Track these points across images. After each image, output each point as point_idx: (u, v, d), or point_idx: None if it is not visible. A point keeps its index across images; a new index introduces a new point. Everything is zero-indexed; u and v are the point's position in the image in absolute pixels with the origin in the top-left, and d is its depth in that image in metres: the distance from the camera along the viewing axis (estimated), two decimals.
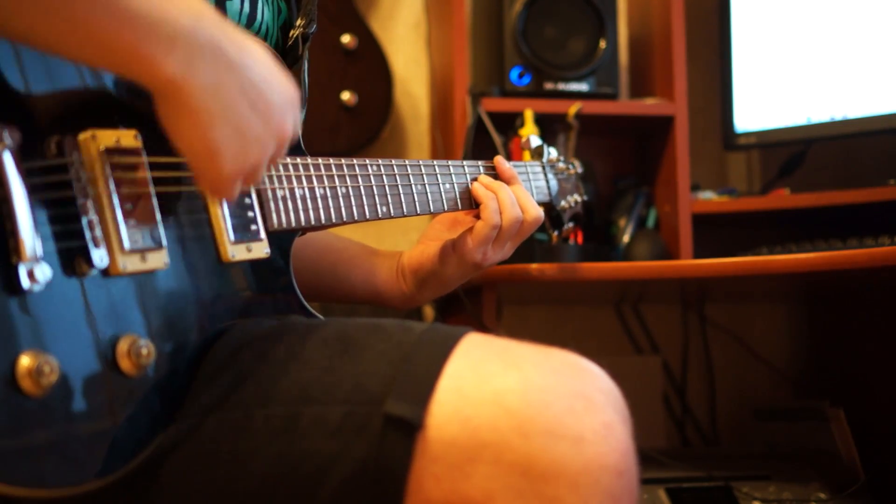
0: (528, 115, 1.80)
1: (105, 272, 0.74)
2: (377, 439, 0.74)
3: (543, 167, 1.32)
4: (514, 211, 1.13)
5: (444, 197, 1.12)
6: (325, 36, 1.99)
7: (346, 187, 1.00)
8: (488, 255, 1.14)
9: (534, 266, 1.50)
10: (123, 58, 0.69)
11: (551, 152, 1.35)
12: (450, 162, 1.15)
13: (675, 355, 2.18)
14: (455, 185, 1.14)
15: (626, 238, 1.95)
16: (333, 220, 0.98)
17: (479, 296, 1.67)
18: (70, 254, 0.72)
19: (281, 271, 0.94)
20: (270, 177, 0.92)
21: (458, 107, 1.88)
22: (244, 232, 0.88)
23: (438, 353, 0.78)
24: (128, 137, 0.77)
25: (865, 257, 1.39)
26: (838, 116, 1.88)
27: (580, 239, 1.84)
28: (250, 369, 0.80)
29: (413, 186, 1.08)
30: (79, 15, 0.66)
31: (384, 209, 1.04)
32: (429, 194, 1.10)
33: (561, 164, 1.36)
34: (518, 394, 0.74)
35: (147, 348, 0.75)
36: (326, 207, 0.97)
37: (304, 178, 0.95)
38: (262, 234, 0.90)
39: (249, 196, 0.89)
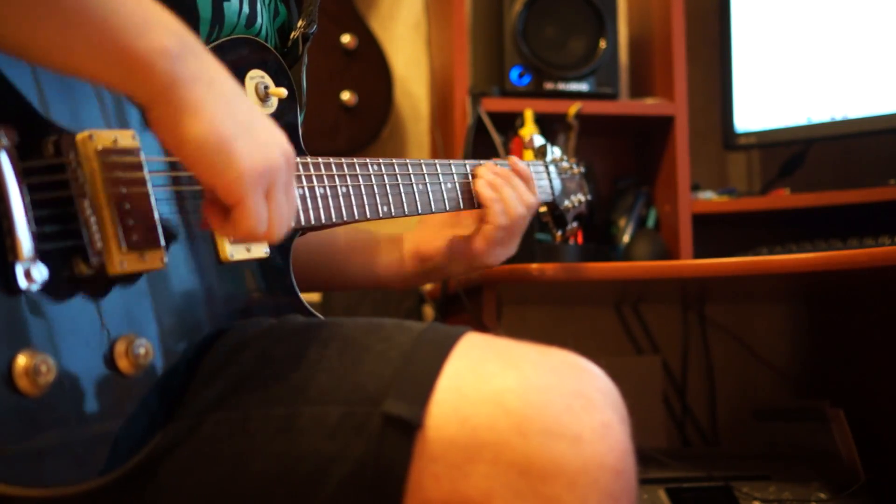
0: (528, 115, 1.80)
1: (102, 272, 0.74)
2: (376, 439, 0.74)
3: (546, 166, 1.31)
4: (519, 209, 1.15)
5: (445, 196, 1.12)
6: (325, 36, 1.99)
7: (347, 187, 1.00)
8: (498, 253, 1.16)
9: (534, 266, 1.50)
10: (117, 60, 0.68)
11: (555, 151, 1.35)
12: (451, 161, 1.15)
13: (675, 355, 2.18)
14: (457, 184, 1.14)
15: (626, 238, 1.95)
16: (334, 220, 0.98)
17: (479, 296, 1.67)
18: (67, 253, 0.72)
19: (280, 271, 0.94)
20: None
21: (458, 107, 1.88)
22: None
23: (437, 353, 0.78)
24: (125, 137, 0.77)
25: (865, 257, 1.39)
26: (838, 116, 1.88)
27: (580, 239, 1.84)
28: (249, 369, 0.80)
29: (414, 186, 1.08)
30: (71, 22, 0.67)
31: (385, 209, 1.04)
32: (430, 193, 1.10)
33: (564, 164, 1.36)
34: (517, 393, 0.74)
35: (145, 348, 0.75)
36: (326, 207, 0.97)
37: (303, 178, 0.95)
38: None
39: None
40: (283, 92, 0.96)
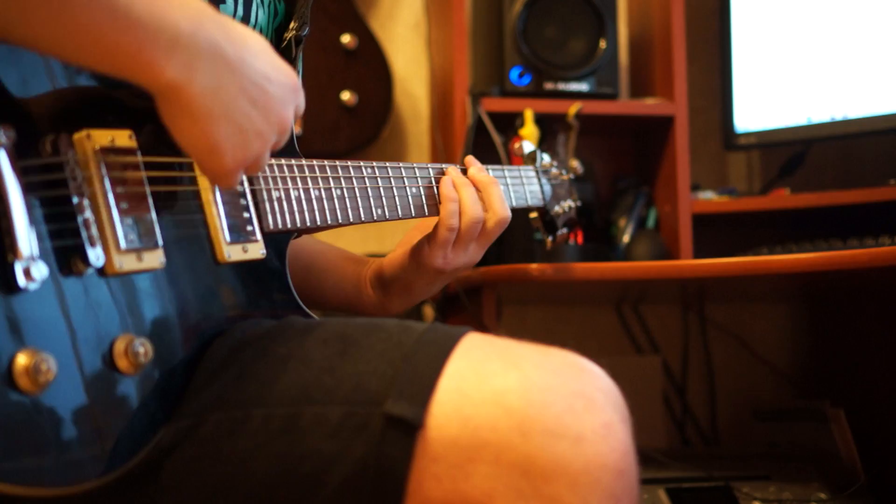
0: (528, 115, 1.80)
1: (101, 271, 0.74)
2: (377, 439, 0.74)
3: (537, 172, 1.32)
4: (474, 211, 1.08)
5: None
6: (325, 36, 1.99)
7: (342, 189, 1.00)
8: (449, 258, 1.08)
9: (534, 266, 1.50)
10: (125, 62, 0.70)
11: (544, 157, 1.36)
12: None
13: (675, 355, 2.18)
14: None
15: (626, 238, 1.95)
16: (329, 222, 0.98)
17: (479, 296, 1.67)
18: (66, 252, 0.72)
19: (277, 272, 0.94)
20: (266, 178, 0.92)
21: (458, 107, 1.88)
22: (240, 233, 0.88)
23: (438, 353, 0.78)
24: (122, 137, 0.78)
25: (866, 257, 1.39)
26: (838, 116, 1.88)
27: (580, 239, 1.84)
28: (250, 369, 0.80)
29: (408, 189, 1.08)
30: (81, 21, 0.67)
31: (379, 211, 1.04)
32: (423, 197, 1.10)
33: (554, 170, 1.36)
34: (518, 393, 0.74)
35: (144, 347, 0.75)
36: (322, 209, 0.97)
37: (299, 180, 0.95)
38: (258, 235, 0.90)
39: (245, 197, 0.89)
40: None
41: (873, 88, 1.84)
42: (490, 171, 1.18)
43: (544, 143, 1.77)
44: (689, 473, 1.66)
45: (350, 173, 1.02)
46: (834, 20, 1.89)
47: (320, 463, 0.75)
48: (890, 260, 1.35)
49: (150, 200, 0.79)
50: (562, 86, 1.91)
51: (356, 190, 1.02)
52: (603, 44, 1.92)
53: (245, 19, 0.97)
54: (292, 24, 1.05)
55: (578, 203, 1.43)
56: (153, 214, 0.79)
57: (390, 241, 2.04)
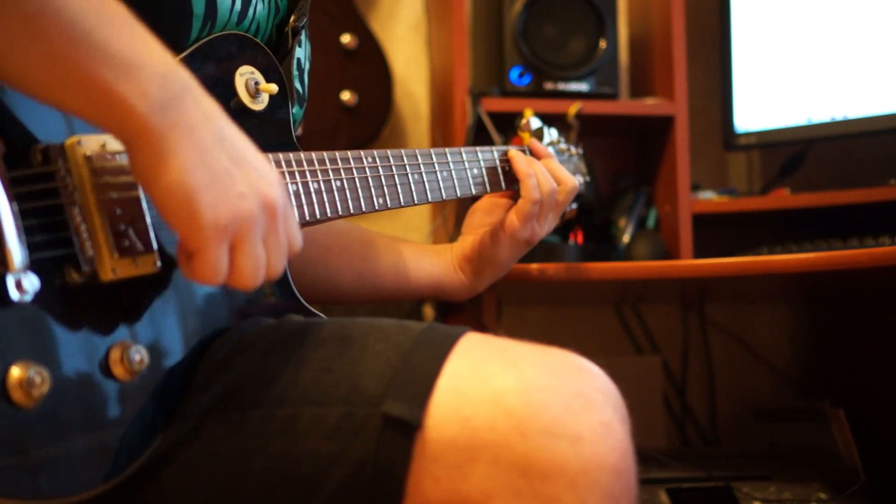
0: (528, 115, 1.79)
1: (95, 279, 0.74)
2: (376, 440, 0.74)
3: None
4: (549, 183, 1.21)
5: (441, 186, 1.13)
6: (325, 36, 1.99)
7: (342, 180, 1.00)
8: (535, 229, 1.21)
9: (534, 266, 1.50)
10: (97, 98, 0.67)
11: (552, 134, 1.36)
12: (447, 150, 1.15)
13: (675, 355, 2.18)
14: (453, 172, 1.16)
15: (626, 238, 1.95)
16: (329, 215, 0.98)
17: (479, 296, 1.66)
18: (59, 262, 0.72)
19: None
20: None
21: (458, 107, 1.88)
22: None
23: (437, 353, 0.78)
24: (113, 142, 0.76)
25: (866, 257, 1.38)
26: (838, 116, 1.88)
27: (580, 239, 1.84)
28: (248, 370, 0.80)
29: (410, 176, 1.08)
30: (56, 54, 0.66)
31: (381, 201, 1.04)
32: (426, 183, 1.10)
33: (562, 146, 1.37)
34: (517, 393, 0.74)
35: (140, 354, 0.74)
36: (321, 202, 0.97)
37: (297, 174, 0.95)
38: None
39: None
40: (274, 88, 0.96)
41: (873, 88, 1.84)
42: (495, 152, 1.24)
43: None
44: (689, 473, 1.66)
45: (350, 164, 1.01)
46: (834, 20, 1.89)
47: (319, 464, 0.75)
48: (890, 260, 1.35)
49: (144, 204, 0.78)
50: (562, 86, 1.91)
51: (356, 180, 1.02)
52: (603, 44, 1.92)
53: (242, 13, 0.97)
54: (291, 18, 1.05)
55: (588, 178, 1.43)
56: (147, 219, 0.78)
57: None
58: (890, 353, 1.81)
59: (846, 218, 1.86)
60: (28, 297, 0.68)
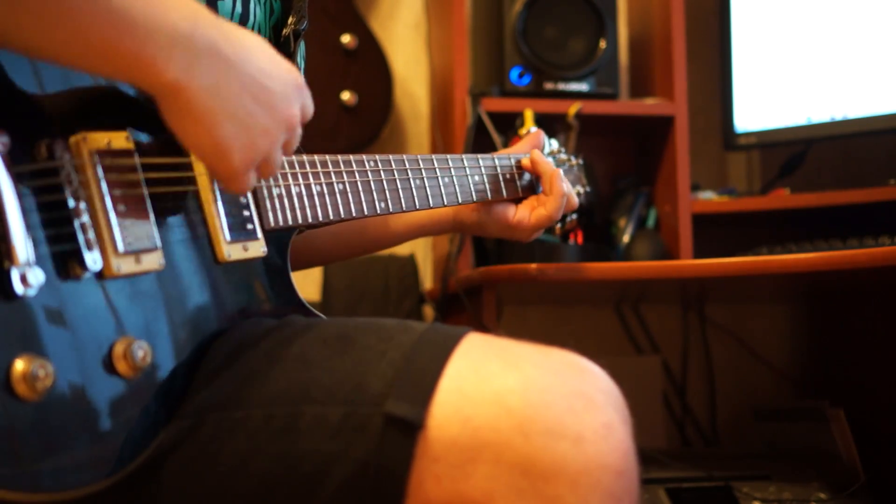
0: (528, 115, 1.80)
1: (99, 275, 0.74)
2: (377, 439, 0.74)
3: None
4: (569, 188, 1.26)
5: (443, 192, 1.13)
6: (325, 36, 1.99)
7: (344, 183, 1.00)
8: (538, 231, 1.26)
9: (534, 266, 1.50)
10: (125, 64, 0.70)
11: (552, 144, 1.35)
12: (448, 156, 1.15)
13: (675, 355, 2.18)
14: (454, 178, 1.16)
15: (626, 238, 1.95)
16: (331, 217, 0.98)
17: (479, 296, 1.67)
18: (63, 257, 0.72)
19: (279, 270, 0.94)
20: None
21: (458, 107, 1.88)
22: (240, 231, 0.87)
23: (439, 354, 0.78)
24: (119, 139, 0.77)
25: (865, 257, 1.39)
26: (838, 116, 1.88)
27: (580, 239, 1.84)
28: (250, 369, 0.80)
29: (412, 181, 1.08)
30: (80, 25, 0.67)
31: (382, 205, 1.04)
32: (427, 189, 1.10)
33: (563, 156, 1.36)
34: (518, 393, 0.74)
35: (143, 350, 0.74)
36: (324, 204, 0.97)
37: (300, 176, 0.95)
38: (259, 234, 0.90)
39: (244, 195, 0.89)
40: None
41: (873, 88, 1.84)
42: (497, 160, 1.22)
43: None
44: (689, 473, 1.66)
45: (353, 167, 1.01)
46: (834, 20, 1.89)
47: (320, 463, 0.75)
48: (890, 260, 1.35)
49: (148, 202, 0.78)
50: (562, 86, 1.91)
51: (359, 184, 1.02)
52: (603, 44, 1.92)
53: (244, 17, 0.97)
54: (290, 20, 1.04)
55: (588, 189, 1.43)
56: (151, 216, 0.78)
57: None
58: (890, 353, 1.82)
59: (846, 218, 1.86)
60: (32, 292, 0.68)
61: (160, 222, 0.79)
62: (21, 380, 0.66)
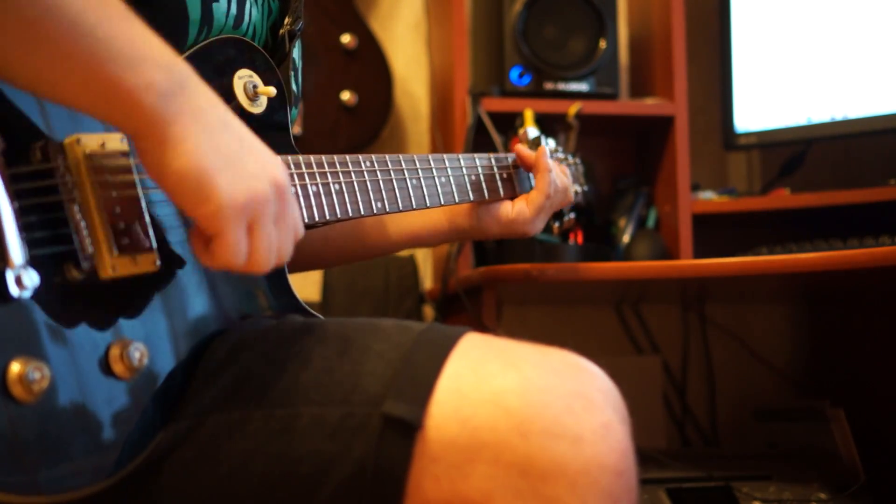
0: (528, 115, 1.79)
1: (95, 276, 0.73)
2: (376, 440, 0.74)
3: None
4: (563, 181, 1.26)
5: (440, 191, 1.12)
6: (325, 36, 1.99)
7: (340, 183, 1.00)
8: (538, 225, 1.24)
9: (534, 266, 1.50)
10: (104, 93, 0.68)
11: (550, 143, 1.35)
12: (444, 155, 1.15)
13: (675, 355, 2.18)
14: (451, 178, 1.15)
15: (626, 238, 1.95)
16: (328, 217, 0.97)
17: (479, 296, 1.67)
18: (58, 259, 0.72)
19: (276, 271, 0.94)
20: None
21: (458, 107, 1.88)
22: None
23: (437, 354, 0.78)
24: (114, 141, 0.76)
25: (866, 257, 1.39)
26: (838, 116, 1.88)
27: (580, 239, 1.84)
28: (249, 370, 0.80)
29: (408, 181, 1.08)
30: (61, 54, 0.66)
31: (378, 204, 1.04)
32: (424, 188, 1.10)
33: (560, 155, 1.36)
34: (517, 394, 0.74)
35: (140, 352, 0.74)
36: (320, 205, 0.96)
37: (295, 177, 0.95)
38: None
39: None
40: (272, 91, 0.96)
41: (873, 88, 1.84)
42: (493, 160, 1.22)
43: None
44: (689, 473, 1.66)
45: (349, 167, 1.01)
46: (834, 20, 1.89)
47: (319, 464, 0.75)
48: (890, 260, 1.35)
49: (143, 203, 0.78)
50: (562, 86, 1.91)
51: (355, 184, 1.01)
52: (603, 44, 1.92)
53: (238, 19, 0.97)
54: (286, 20, 1.04)
55: (586, 187, 1.42)
56: (146, 217, 0.78)
57: None
58: (890, 353, 1.81)
59: (846, 218, 1.86)
60: (27, 294, 0.68)
61: (155, 223, 0.79)
62: (17, 382, 0.66)
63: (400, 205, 1.06)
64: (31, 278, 0.68)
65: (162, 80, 0.69)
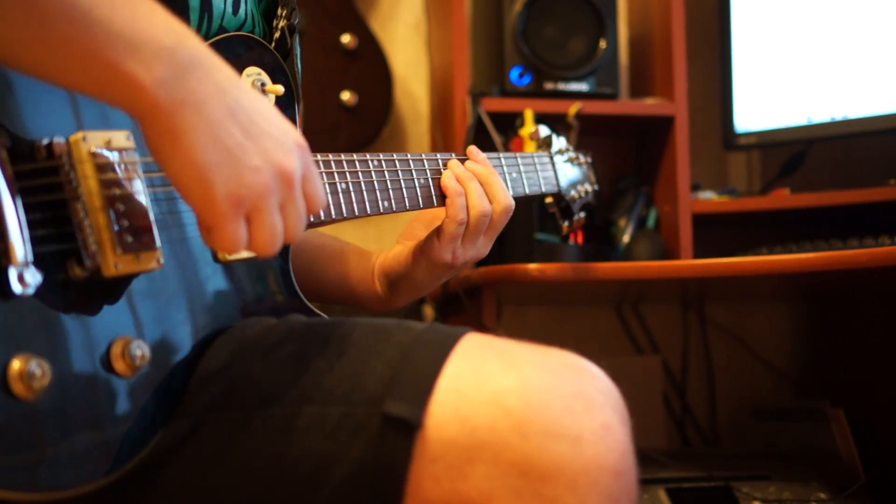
0: (528, 115, 1.80)
1: (97, 274, 0.74)
2: (376, 439, 0.74)
3: (551, 157, 1.31)
4: (482, 205, 1.07)
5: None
6: (325, 36, 1.99)
7: (346, 183, 0.99)
8: (458, 253, 1.08)
9: (534, 266, 1.50)
10: (104, 78, 0.67)
11: (561, 142, 1.35)
12: (454, 154, 1.13)
13: (675, 355, 2.18)
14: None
15: (626, 238, 1.95)
16: (333, 217, 0.97)
17: (479, 296, 1.67)
18: (62, 256, 0.72)
19: (279, 269, 0.94)
20: None
21: (458, 107, 1.88)
22: None
23: (437, 353, 0.77)
24: (119, 138, 0.76)
25: (866, 257, 1.39)
26: (838, 116, 1.88)
27: (580, 239, 1.84)
28: (249, 369, 0.80)
29: (416, 180, 1.07)
30: (58, 37, 0.65)
31: (385, 204, 1.03)
32: (431, 188, 1.09)
33: (571, 154, 1.36)
34: (517, 394, 0.74)
35: (141, 349, 0.74)
36: (325, 204, 0.96)
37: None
38: None
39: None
40: (280, 89, 0.96)
41: (873, 88, 1.84)
42: (502, 159, 1.19)
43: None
44: (689, 473, 1.66)
45: (356, 167, 1.01)
46: (834, 20, 1.89)
47: (319, 463, 0.75)
48: (890, 260, 1.35)
49: (148, 201, 0.78)
50: (562, 86, 1.91)
51: (362, 184, 1.01)
52: (603, 44, 1.92)
53: (236, 3, 0.97)
54: (281, 12, 1.04)
55: (596, 187, 1.41)
56: (151, 215, 0.78)
57: (390, 241, 2.04)
58: (890, 353, 1.82)
59: (846, 218, 1.86)
60: (30, 291, 0.68)
61: (159, 221, 0.79)
62: (18, 379, 0.66)
63: (407, 204, 1.05)
64: (34, 276, 0.68)
65: (163, 65, 0.67)
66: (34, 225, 0.70)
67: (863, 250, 1.45)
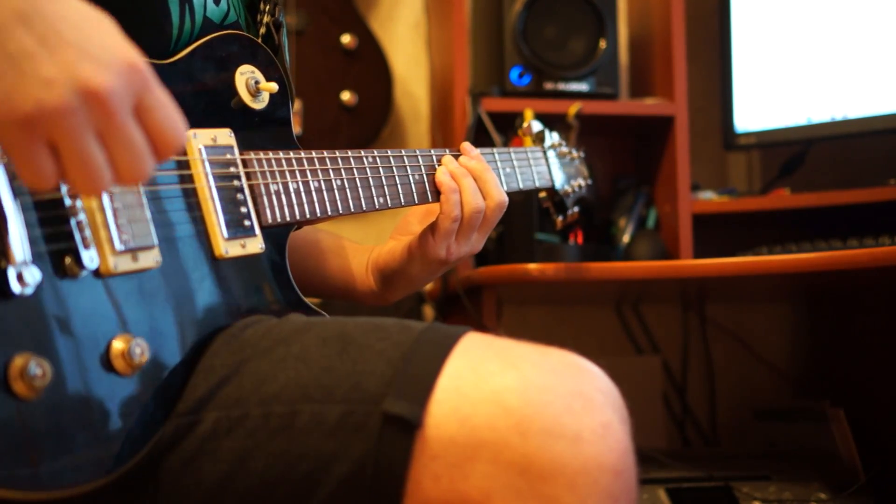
0: (528, 115, 1.79)
1: (96, 273, 0.74)
2: (376, 438, 0.74)
3: (545, 152, 1.31)
4: (475, 201, 1.08)
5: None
6: (325, 36, 1.99)
7: (342, 179, 1.00)
8: (452, 249, 1.08)
9: (534, 266, 1.50)
10: None
11: (553, 137, 1.35)
12: (448, 150, 1.14)
13: (675, 355, 2.18)
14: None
15: (626, 238, 1.95)
16: (329, 213, 0.97)
17: (479, 296, 1.67)
18: (60, 255, 0.72)
19: (278, 267, 0.94)
20: (263, 172, 0.92)
21: (458, 107, 1.89)
22: (238, 228, 0.87)
23: (437, 353, 0.77)
24: None
25: (866, 257, 1.39)
26: (838, 116, 1.88)
27: (580, 239, 1.84)
28: (249, 367, 0.80)
29: (411, 176, 1.08)
30: None
31: (381, 200, 1.04)
32: (426, 184, 1.09)
33: (564, 149, 1.36)
34: (517, 393, 0.74)
35: (141, 348, 0.74)
36: (322, 201, 0.97)
37: (297, 172, 0.95)
38: (257, 230, 0.90)
39: (242, 192, 0.89)
40: (274, 87, 0.96)
41: (873, 88, 1.84)
42: (496, 154, 1.20)
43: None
44: (689, 473, 1.66)
45: (350, 163, 1.01)
46: (834, 20, 1.89)
47: (319, 462, 0.75)
48: (890, 260, 1.35)
49: (145, 199, 0.78)
50: (562, 86, 1.91)
51: (357, 180, 1.01)
52: (603, 44, 1.92)
53: None
54: (264, 7, 1.04)
55: (589, 181, 1.42)
56: (148, 214, 0.78)
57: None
58: (890, 353, 1.81)
59: (846, 218, 1.86)
60: (29, 290, 0.68)
61: (157, 220, 0.79)
62: (18, 378, 0.66)
63: (402, 200, 1.06)
64: (33, 275, 0.68)
65: None
66: (32, 224, 0.70)
67: (863, 250, 1.45)
